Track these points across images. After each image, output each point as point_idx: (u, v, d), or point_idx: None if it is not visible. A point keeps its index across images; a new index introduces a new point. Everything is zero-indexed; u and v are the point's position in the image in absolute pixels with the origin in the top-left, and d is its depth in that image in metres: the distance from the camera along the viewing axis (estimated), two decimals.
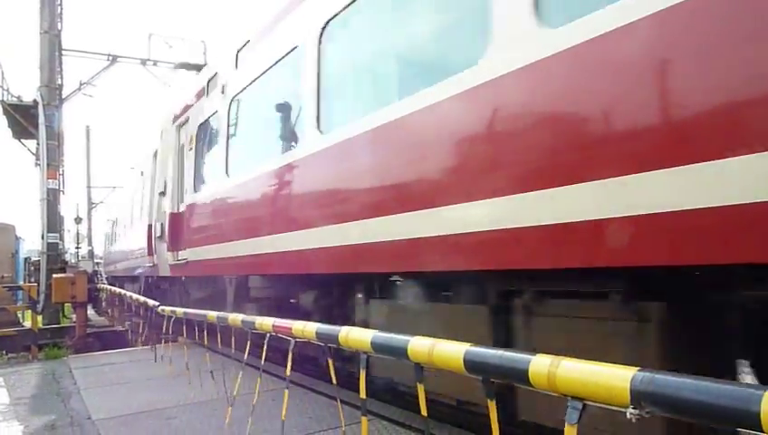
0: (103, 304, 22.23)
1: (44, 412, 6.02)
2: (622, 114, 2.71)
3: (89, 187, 37.85)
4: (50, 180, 15.30)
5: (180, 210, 10.11)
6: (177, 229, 10.15)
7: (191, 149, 9.56)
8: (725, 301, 2.74)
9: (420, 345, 2.61)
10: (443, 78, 3.84)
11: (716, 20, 2.35)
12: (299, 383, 6.40)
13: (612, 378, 1.68)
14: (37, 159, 16.39)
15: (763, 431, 1.31)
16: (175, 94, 11.72)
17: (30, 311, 14.56)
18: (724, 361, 2.59)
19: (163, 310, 8.11)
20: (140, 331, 11.50)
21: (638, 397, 1.59)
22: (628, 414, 1.61)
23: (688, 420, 1.57)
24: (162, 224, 11.16)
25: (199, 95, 9.39)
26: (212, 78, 8.82)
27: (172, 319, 7.61)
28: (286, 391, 4.20)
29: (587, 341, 3.16)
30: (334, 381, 3.88)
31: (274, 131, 6.71)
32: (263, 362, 4.70)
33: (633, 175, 2.58)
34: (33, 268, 17.62)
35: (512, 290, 3.73)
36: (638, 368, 1.65)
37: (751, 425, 1.34)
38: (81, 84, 18.28)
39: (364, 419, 3.24)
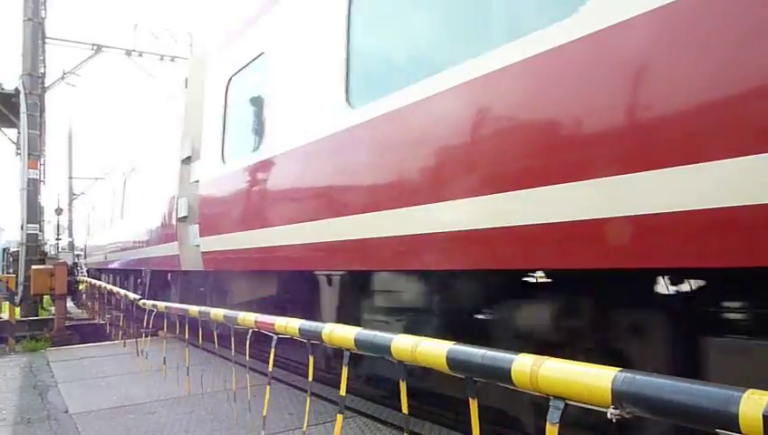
0: (83, 296, 21.95)
1: (21, 405, 5.92)
2: None
3: (70, 177, 37.30)
4: (30, 170, 15.06)
5: None
6: None
7: None
8: None
9: (404, 343, 2.61)
10: None
11: None
12: (282, 380, 6.37)
13: (594, 378, 1.69)
14: (18, 148, 16.13)
15: (741, 433, 1.32)
16: None
17: (8, 302, 14.32)
18: None
19: (144, 304, 8.02)
20: (121, 324, 11.36)
21: (619, 397, 1.60)
22: (608, 414, 1.62)
23: (669, 421, 1.58)
24: None
25: None
26: None
27: (153, 313, 7.53)
28: (268, 387, 4.18)
29: None
30: (310, 378, 3.85)
31: None
32: (247, 357, 4.66)
33: None
34: (11, 259, 17.35)
35: None
36: (619, 368, 1.66)
37: (730, 426, 1.35)
38: (64, 73, 18.03)
39: (339, 416, 3.23)
